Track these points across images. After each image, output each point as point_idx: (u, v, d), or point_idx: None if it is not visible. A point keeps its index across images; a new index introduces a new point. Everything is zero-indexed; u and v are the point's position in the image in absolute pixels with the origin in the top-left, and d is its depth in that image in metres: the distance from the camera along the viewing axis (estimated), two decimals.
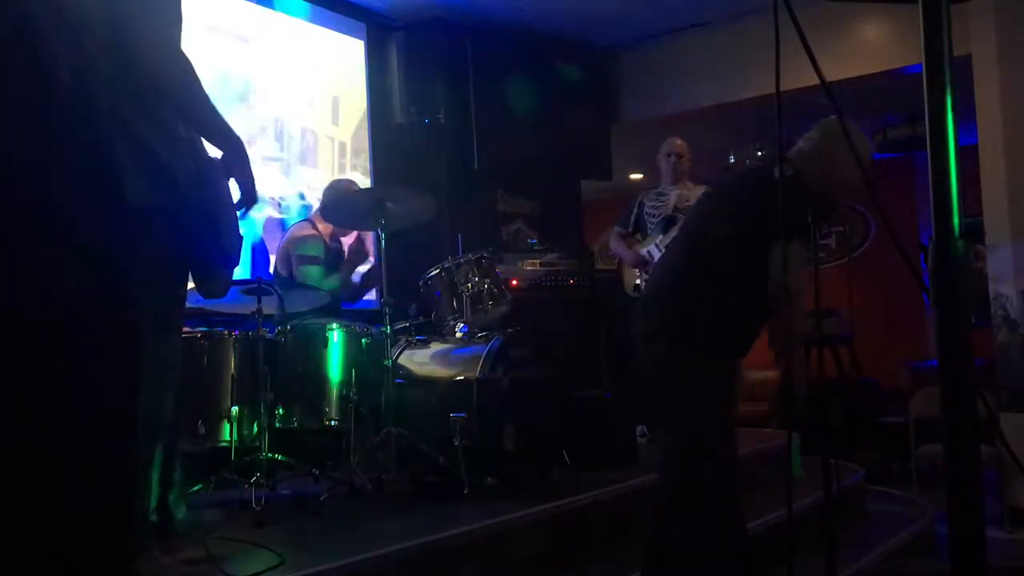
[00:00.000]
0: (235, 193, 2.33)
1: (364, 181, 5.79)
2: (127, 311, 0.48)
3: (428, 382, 3.65)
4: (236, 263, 2.28)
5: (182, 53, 2.12)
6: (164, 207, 2.07)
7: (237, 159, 2.27)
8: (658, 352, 2.61)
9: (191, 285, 2.25)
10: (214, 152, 2.29)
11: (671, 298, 2.66)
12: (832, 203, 2.73)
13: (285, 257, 4.25)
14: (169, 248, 2.11)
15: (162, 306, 2.12)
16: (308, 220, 4.42)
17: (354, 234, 4.51)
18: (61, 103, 0.44)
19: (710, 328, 2.57)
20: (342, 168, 5.74)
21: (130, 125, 2.02)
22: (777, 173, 2.67)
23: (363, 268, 4.49)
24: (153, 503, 2.35)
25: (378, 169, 5.93)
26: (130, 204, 1.41)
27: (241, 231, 2.30)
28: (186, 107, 2.13)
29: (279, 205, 5.24)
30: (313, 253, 4.18)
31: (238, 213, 2.32)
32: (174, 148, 2.10)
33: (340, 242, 4.46)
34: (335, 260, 4.33)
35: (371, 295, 4.73)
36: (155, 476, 2.34)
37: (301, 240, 4.21)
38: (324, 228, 4.27)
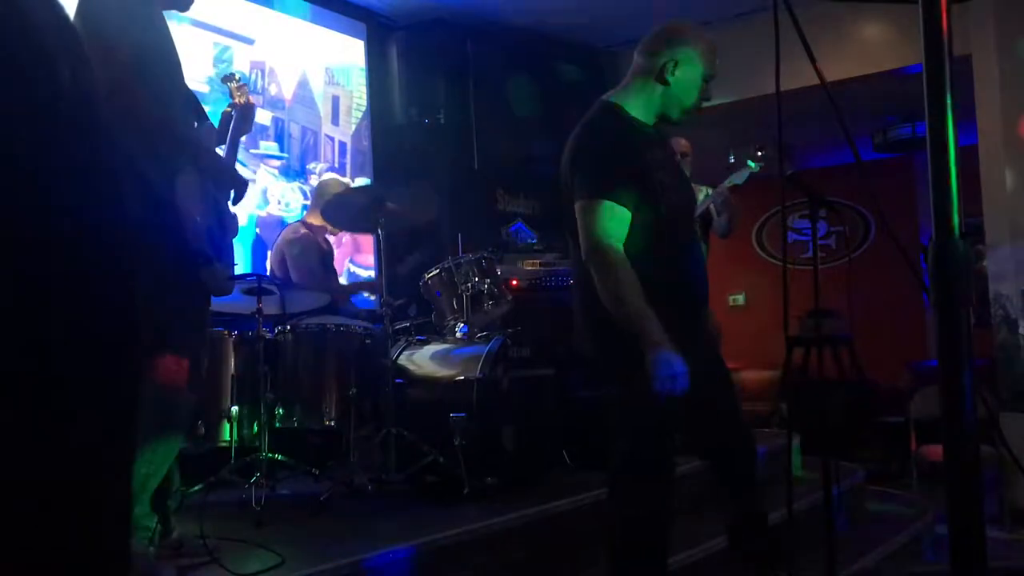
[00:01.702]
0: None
1: (364, 181, 5.79)
2: (126, 311, 0.49)
3: (428, 382, 3.65)
4: (209, 258, 2.31)
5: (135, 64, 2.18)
6: (152, 215, 2.11)
7: (205, 160, 2.33)
8: (594, 372, 2.42)
9: None
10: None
11: (580, 315, 2.40)
12: (680, 119, 2.42)
13: (280, 258, 4.25)
14: (164, 254, 2.15)
15: (174, 308, 2.15)
16: (302, 220, 4.43)
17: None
18: (61, 103, 0.44)
19: (609, 329, 2.23)
20: (343, 168, 5.74)
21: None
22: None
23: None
24: (147, 507, 2.35)
25: (378, 169, 5.93)
26: (133, 212, 1.42)
27: (204, 228, 2.34)
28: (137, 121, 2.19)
29: (280, 204, 5.24)
30: (313, 260, 4.20)
31: (232, 196, 2.38)
32: (150, 161, 2.15)
33: (330, 243, 4.47)
34: (328, 261, 4.33)
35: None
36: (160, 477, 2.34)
37: (299, 244, 4.22)
38: (319, 227, 4.28)
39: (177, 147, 2.27)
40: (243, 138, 2.76)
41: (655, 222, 2.29)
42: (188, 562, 2.42)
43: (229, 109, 2.71)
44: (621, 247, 2.22)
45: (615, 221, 2.23)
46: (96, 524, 0.47)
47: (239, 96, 2.70)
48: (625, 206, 2.24)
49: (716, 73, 2.41)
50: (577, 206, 2.27)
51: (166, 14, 2.41)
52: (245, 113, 2.70)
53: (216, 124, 2.67)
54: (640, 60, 2.41)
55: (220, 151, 2.62)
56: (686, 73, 2.36)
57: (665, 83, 2.36)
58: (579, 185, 2.28)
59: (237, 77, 2.79)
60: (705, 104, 2.44)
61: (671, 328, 2.24)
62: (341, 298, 4.36)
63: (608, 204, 2.22)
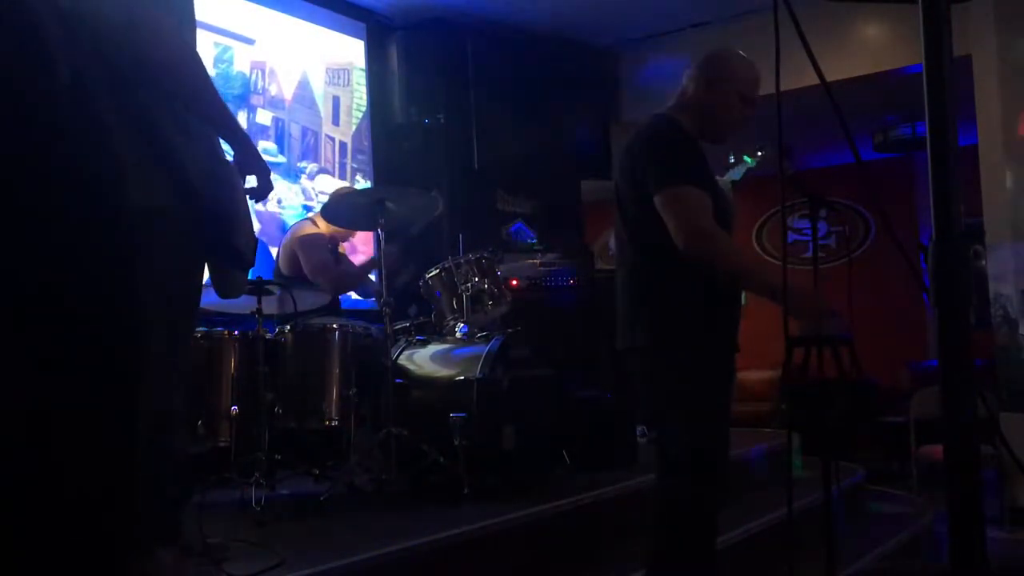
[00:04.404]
0: (251, 184, 2.33)
1: (364, 181, 5.80)
2: (128, 309, 0.48)
3: (428, 382, 3.65)
4: (251, 264, 2.27)
5: (189, 47, 2.11)
6: (176, 207, 2.06)
7: (248, 155, 2.27)
8: (639, 365, 2.46)
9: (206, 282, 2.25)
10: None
11: (627, 302, 2.48)
12: (721, 137, 2.58)
13: (290, 255, 4.24)
14: (180, 248, 2.10)
15: (171, 305, 2.12)
16: (309, 219, 4.42)
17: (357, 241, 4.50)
18: (61, 104, 0.44)
19: (673, 320, 2.37)
20: (343, 168, 5.74)
21: (152, 124, 2.00)
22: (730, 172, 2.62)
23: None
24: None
25: (378, 169, 5.93)
26: (134, 205, 1.40)
27: (255, 233, 2.29)
28: (193, 101, 2.11)
29: (279, 203, 5.24)
30: (326, 254, 4.19)
31: (251, 201, 2.31)
32: (192, 147, 2.09)
33: (338, 245, 4.46)
34: (336, 255, 4.34)
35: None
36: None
37: (310, 241, 4.21)
38: (325, 227, 4.28)
39: (215, 122, 2.18)
40: None
41: (718, 219, 2.40)
42: (191, 562, 2.42)
43: None
44: (714, 221, 2.33)
45: (704, 203, 2.34)
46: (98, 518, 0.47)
47: None
48: (704, 191, 2.36)
49: (752, 94, 2.54)
50: (661, 197, 2.34)
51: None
52: None
53: None
54: (684, 81, 2.56)
55: None
56: (719, 94, 2.50)
57: (701, 102, 2.51)
58: (659, 176, 2.36)
59: None
60: (744, 124, 2.57)
61: (726, 323, 2.43)
62: (358, 282, 4.36)
63: (696, 190, 2.34)
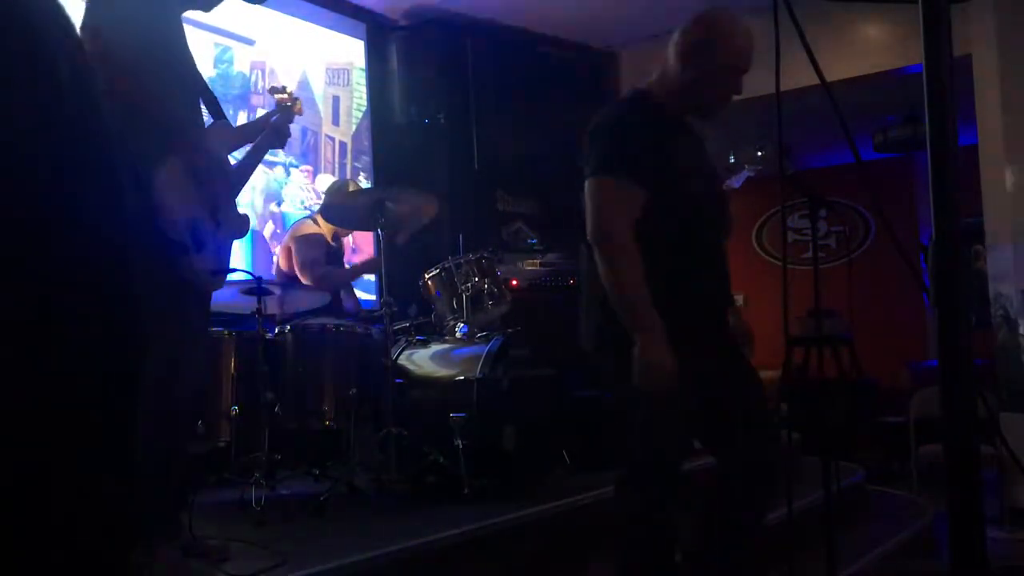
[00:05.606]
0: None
1: (365, 181, 5.79)
2: (132, 309, 0.49)
3: (428, 382, 3.65)
4: (187, 251, 2.34)
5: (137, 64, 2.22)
6: (141, 203, 2.14)
7: (199, 161, 2.37)
8: (598, 366, 2.37)
9: None
10: None
11: (584, 308, 2.35)
12: (708, 112, 2.35)
13: (287, 253, 4.25)
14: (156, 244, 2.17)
15: (162, 302, 2.16)
16: (311, 218, 4.42)
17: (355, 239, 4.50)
18: (63, 99, 0.44)
19: (614, 323, 2.15)
20: (343, 168, 5.74)
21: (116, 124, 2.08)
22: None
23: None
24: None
25: (378, 169, 5.93)
26: (132, 204, 1.42)
27: (184, 219, 2.37)
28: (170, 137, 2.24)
29: (278, 204, 5.24)
30: (318, 252, 4.19)
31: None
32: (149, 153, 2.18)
33: (341, 242, 4.46)
34: (335, 260, 4.33)
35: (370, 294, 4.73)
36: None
37: (305, 238, 4.21)
38: (326, 227, 4.28)
39: (170, 144, 2.29)
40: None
41: (673, 209, 2.21)
42: (191, 562, 2.42)
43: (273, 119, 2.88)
44: (627, 228, 2.14)
45: (624, 200, 2.15)
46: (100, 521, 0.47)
47: (283, 110, 2.89)
48: (637, 185, 2.17)
49: (742, 63, 2.28)
50: (586, 184, 2.20)
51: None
52: (279, 129, 2.83)
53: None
54: (669, 47, 2.33)
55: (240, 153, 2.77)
56: (700, 64, 2.26)
57: (680, 74, 2.29)
58: (590, 163, 2.22)
59: (288, 92, 2.94)
60: (734, 97, 2.33)
61: (685, 323, 2.16)
62: (345, 284, 4.36)
63: (618, 182, 2.16)
